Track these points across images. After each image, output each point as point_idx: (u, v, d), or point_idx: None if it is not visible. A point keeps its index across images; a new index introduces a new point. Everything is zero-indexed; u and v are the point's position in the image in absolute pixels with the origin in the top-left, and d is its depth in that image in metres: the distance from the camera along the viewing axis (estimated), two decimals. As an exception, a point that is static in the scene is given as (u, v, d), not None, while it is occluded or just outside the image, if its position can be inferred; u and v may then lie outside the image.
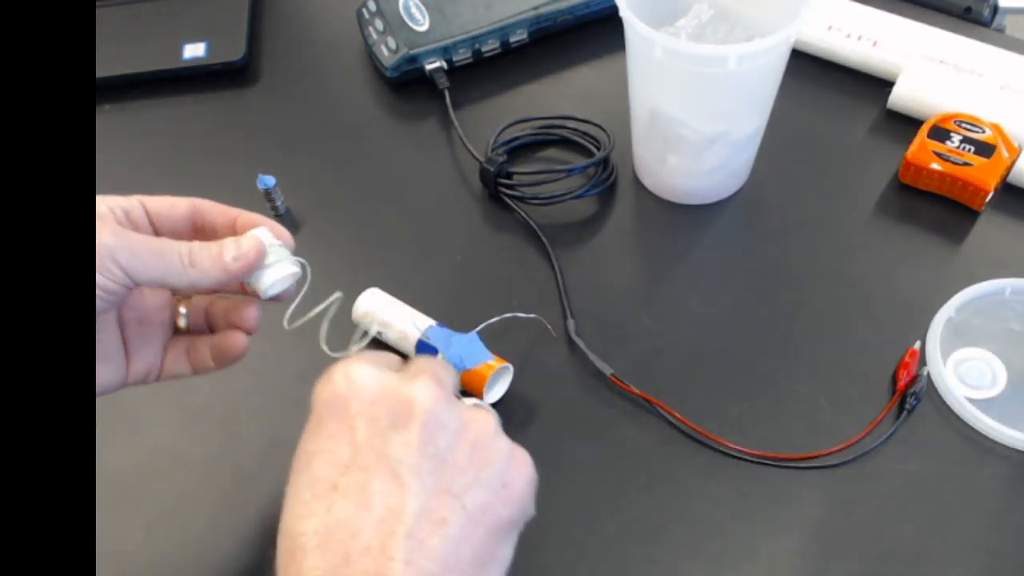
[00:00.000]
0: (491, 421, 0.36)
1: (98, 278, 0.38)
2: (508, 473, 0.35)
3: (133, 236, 0.40)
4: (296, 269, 0.45)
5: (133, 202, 0.43)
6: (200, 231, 0.45)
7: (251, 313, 0.47)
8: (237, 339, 0.47)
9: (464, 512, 0.33)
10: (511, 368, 0.55)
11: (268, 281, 0.44)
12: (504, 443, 0.36)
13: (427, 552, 0.31)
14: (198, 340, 0.47)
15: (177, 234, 0.44)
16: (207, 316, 0.48)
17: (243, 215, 0.45)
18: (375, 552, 0.31)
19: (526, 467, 0.36)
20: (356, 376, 0.35)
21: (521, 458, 0.36)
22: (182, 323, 0.48)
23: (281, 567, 0.32)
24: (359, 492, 0.32)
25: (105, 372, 0.44)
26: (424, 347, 0.54)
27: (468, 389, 0.53)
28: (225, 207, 0.46)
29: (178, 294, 0.48)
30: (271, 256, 0.44)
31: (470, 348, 0.53)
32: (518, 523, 0.35)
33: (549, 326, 0.57)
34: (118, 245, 0.39)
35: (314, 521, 0.32)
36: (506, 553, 0.35)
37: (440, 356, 0.53)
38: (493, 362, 0.53)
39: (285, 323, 0.46)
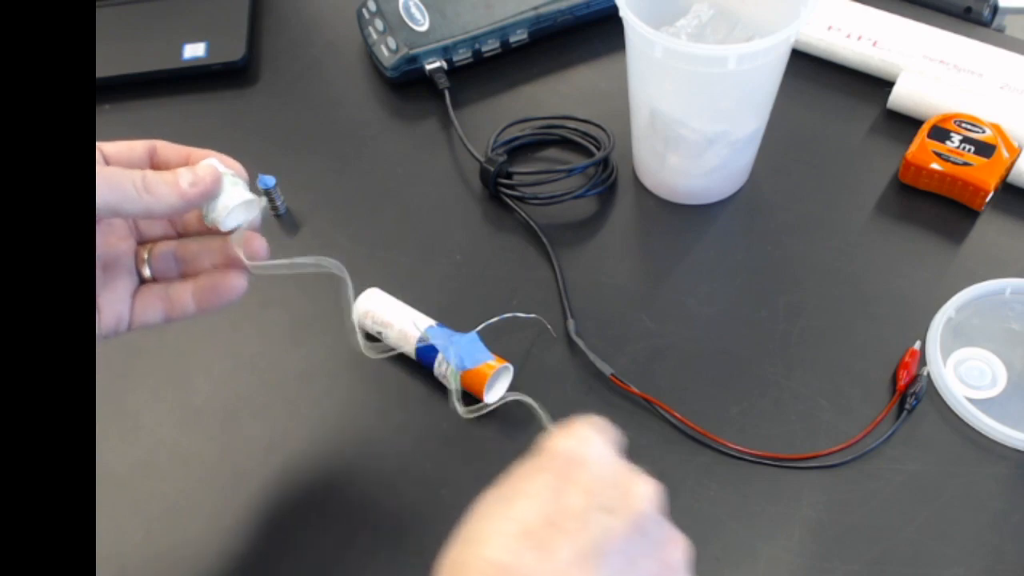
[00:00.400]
0: (687, 551, 0.36)
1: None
2: None
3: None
4: (251, 196, 0.45)
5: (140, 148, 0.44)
6: (156, 169, 0.45)
7: (260, 243, 0.46)
8: (235, 277, 0.46)
9: None
10: (511, 368, 0.55)
11: (226, 207, 0.44)
12: None
13: None
14: (174, 285, 0.47)
15: None
16: (178, 261, 0.47)
17: (196, 151, 0.45)
18: None
19: None
20: (595, 448, 0.35)
21: None
22: (146, 271, 0.47)
23: (448, 569, 0.33)
24: (547, 550, 0.32)
25: None
26: (424, 347, 0.54)
27: (468, 389, 0.53)
28: (180, 146, 0.45)
29: (141, 234, 0.47)
30: (226, 185, 0.44)
31: (470, 348, 0.53)
32: None
33: (549, 326, 0.57)
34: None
35: (498, 552, 0.32)
36: None
37: (440, 356, 0.53)
38: (493, 362, 0.53)
39: (463, 413, 0.49)
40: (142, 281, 0.47)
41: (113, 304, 0.45)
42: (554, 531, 0.32)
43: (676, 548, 0.35)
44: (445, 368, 0.53)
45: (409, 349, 0.55)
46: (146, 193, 0.41)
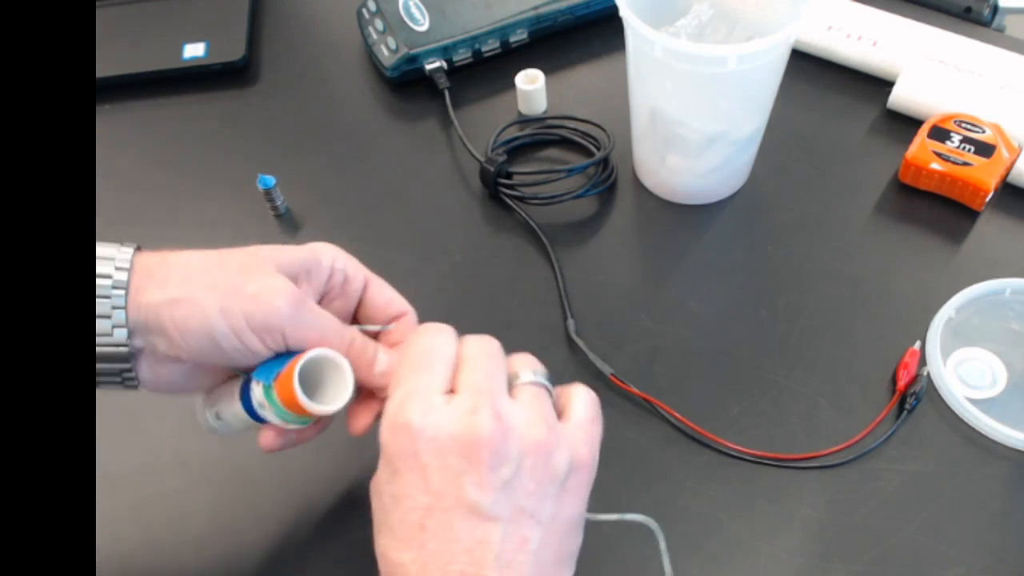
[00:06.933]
0: (544, 437, 0.37)
1: (254, 340, 0.40)
2: (570, 478, 0.37)
3: (307, 315, 0.41)
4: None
5: (361, 279, 0.46)
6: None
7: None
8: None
9: (540, 526, 0.36)
10: (331, 354, 0.42)
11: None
12: (562, 455, 0.37)
13: (516, 568, 0.35)
14: None
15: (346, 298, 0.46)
16: None
17: (396, 302, 0.47)
18: (471, 574, 0.35)
19: (586, 455, 0.38)
20: (419, 427, 0.36)
21: (582, 447, 0.38)
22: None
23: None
24: (446, 531, 0.35)
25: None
26: (243, 389, 0.44)
27: (291, 409, 0.41)
28: (387, 290, 0.47)
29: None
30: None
31: (281, 358, 0.42)
32: (585, 505, 0.38)
33: None
34: (292, 319, 0.41)
35: (410, 554, 0.35)
36: (579, 539, 0.39)
37: (252, 384, 0.43)
38: (301, 355, 0.41)
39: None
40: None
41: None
42: (440, 515, 0.35)
43: (535, 447, 0.36)
44: (259, 393, 0.42)
45: (242, 412, 0.44)
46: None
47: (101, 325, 0.39)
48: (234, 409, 0.44)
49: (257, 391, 0.42)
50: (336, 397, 0.42)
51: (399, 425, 0.36)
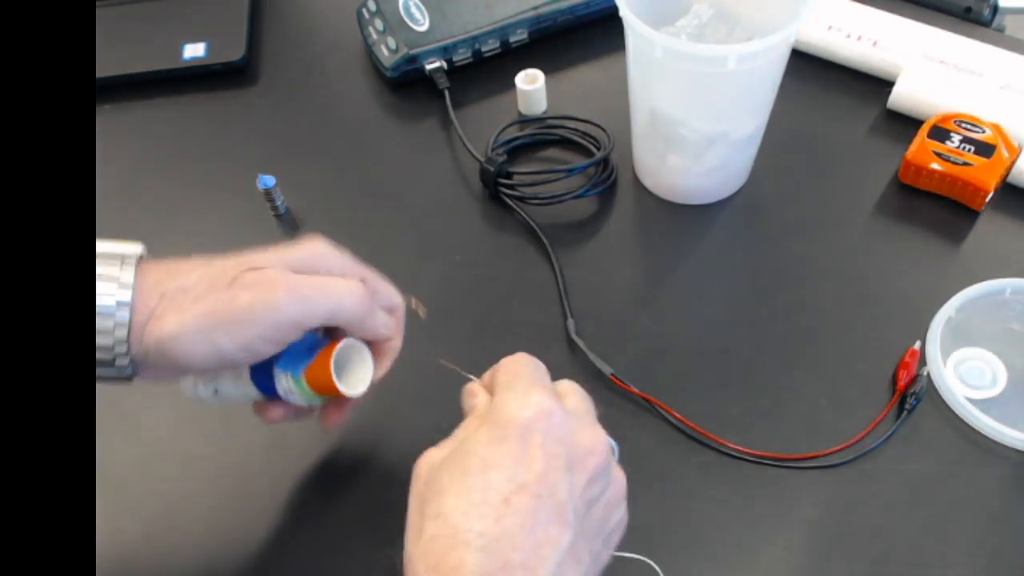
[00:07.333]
0: (625, 484, 0.41)
1: (271, 349, 0.43)
2: (614, 534, 0.40)
3: (303, 289, 0.43)
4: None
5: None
6: None
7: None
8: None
9: (590, 555, 0.37)
10: (358, 344, 0.46)
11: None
12: (621, 510, 0.40)
13: None
14: None
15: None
16: None
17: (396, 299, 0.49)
18: (528, 569, 0.35)
19: (622, 526, 0.41)
20: (549, 413, 0.37)
21: (623, 519, 0.41)
22: None
23: (436, 550, 0.35)
24: (527, 514, 0.35)
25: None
26: (257, 371, 0.46)
27: (324, 392, 0.45)
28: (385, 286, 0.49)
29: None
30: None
31: (299, 346, 0.45)
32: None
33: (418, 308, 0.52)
34: (295, 308, 0.42)
35: (482, 524, 0.35)
36: None
37: (276, 371, 0.46)
38: (329, 344, 0.45)
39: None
40: None
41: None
42: (529, 498, 0.35)
43: (616, 488, 0.40)
44: (286, 381, 0.45)
45: (249, 390, 0.47)
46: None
47: (102, 355, 0.41)
48: (241, 389, 0.46)
49: (285, 381, 0.45)
50: (362, 377, 0.46)
51: (530, 399, 0.38)
